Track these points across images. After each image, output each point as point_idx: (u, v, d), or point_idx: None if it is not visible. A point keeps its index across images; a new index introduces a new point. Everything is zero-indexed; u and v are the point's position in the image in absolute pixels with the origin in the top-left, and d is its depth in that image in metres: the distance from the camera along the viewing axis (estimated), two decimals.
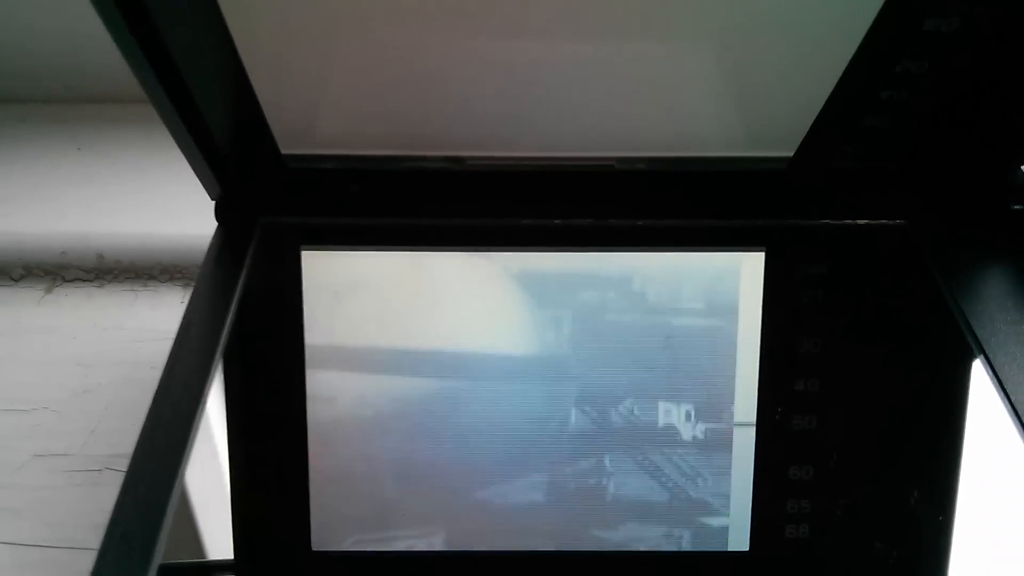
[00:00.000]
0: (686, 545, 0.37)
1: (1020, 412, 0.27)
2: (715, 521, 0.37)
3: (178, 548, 0.48)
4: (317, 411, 0.36)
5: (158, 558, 0.21)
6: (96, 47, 0.51)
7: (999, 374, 0.28)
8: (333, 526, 0.37)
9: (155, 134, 0.51)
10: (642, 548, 0.37)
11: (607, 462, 0.36)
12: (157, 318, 0.44)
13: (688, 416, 0.36)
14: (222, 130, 0.31)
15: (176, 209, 0.48)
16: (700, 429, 0.36)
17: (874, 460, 0.36)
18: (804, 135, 0.33)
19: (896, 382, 0.36)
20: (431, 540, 0.37)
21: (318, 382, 0.36)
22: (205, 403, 0.26)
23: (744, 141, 0.34)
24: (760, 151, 0.34)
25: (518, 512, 0.36)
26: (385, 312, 0.36)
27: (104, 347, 0.44)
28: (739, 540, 0.37)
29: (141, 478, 0.23)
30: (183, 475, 0.24)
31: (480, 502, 0.36)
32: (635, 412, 0.36)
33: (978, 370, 0.35)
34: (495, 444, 0.36)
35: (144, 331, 0.43)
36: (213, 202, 0.34)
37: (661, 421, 0.36)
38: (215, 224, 0.34)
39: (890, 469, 0.36)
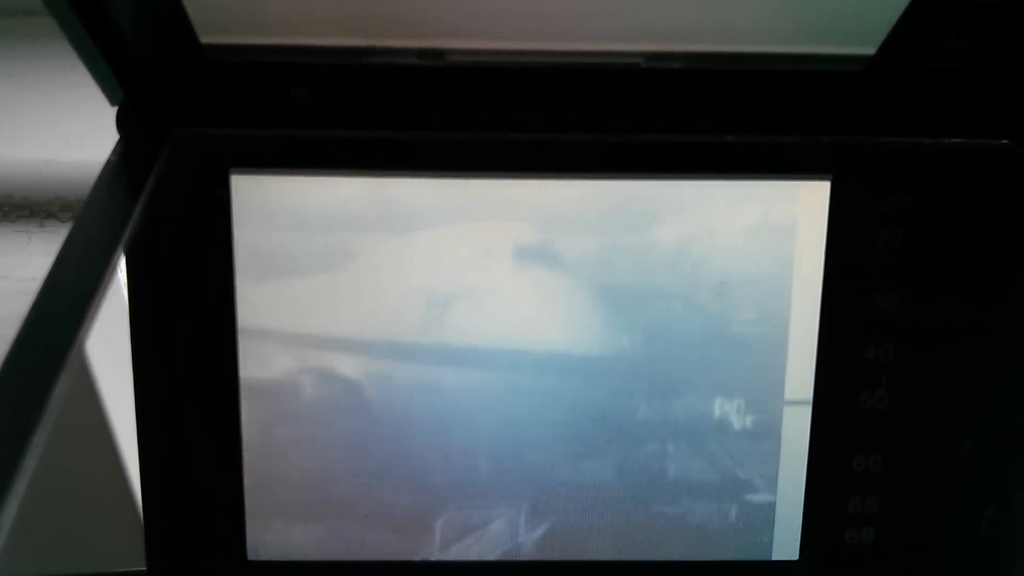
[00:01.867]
0: (722, 553, 0.33)
1: None
2: (758, 523, 0.33)
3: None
4: (253, 387, 0.31)
5: None
6: None
7: None
8: (275, 528, 0.32)
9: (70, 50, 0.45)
10: (671, 557, 0.33)
11: (617, 444, 0.32)
12: None
13: (725, 392, 0.32)
14: (121, 13, 0.27)
15: (87, 132, 0.43)
16: (741, 408, 0.32)
17: (960, 447, 0.32)
18: (891, 26, 0.29)
19: (992, 349, 0.32)
20: (398, 544, 0.33)
21: (255, 350, 0.31)
22: (64, 370, 0.21)
23: (809, 33, 0.30)
24: (830, 47, 0.30)
25: (490, 516, 0.33)
26: (340, 257, 0.31)
27: None
28: (787, 547, 0.33)
29: None
30: (26, 469, 0.20)
31: (446, 503, 0.32)
32: (658, 387, 0.32)
33: None
34: (472, 440, 0.32)
35: (37, 281, 0.37)
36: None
37: (691, 399, 0.32)
38: None
39: (980, 459, 0.32)
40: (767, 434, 0.32)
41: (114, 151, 0.29)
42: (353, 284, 0.31)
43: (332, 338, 0.31)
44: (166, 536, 0.32)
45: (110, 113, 0.29)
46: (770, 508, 0.32)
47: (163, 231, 0.30)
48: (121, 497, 0.42)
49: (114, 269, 0.24)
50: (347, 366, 0.31)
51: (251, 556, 0.32)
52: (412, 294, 0.31)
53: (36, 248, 0.41)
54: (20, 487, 0.19)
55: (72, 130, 0.43)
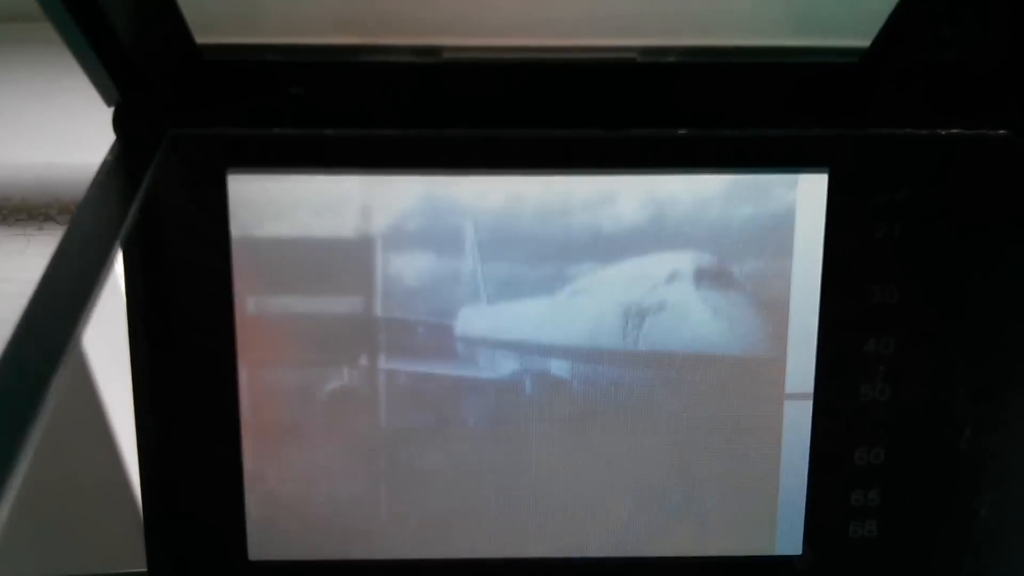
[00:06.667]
0: (726, 548, 0.32)
1: None
2: (761, 518, 0.32)
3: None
4: (252, 385, 0.31)
5: None
6: None
7: None
8: (276, 527, 0.32)
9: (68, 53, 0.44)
10: (672, 552, 0.32)
11: (610, 438, 0.32)
12: None
13: (726, 385, 0.31)
14: (116, 14, 0.27)
15: (84, 136, 0.40)
16: (741, 401, 0.31)
17: (961, 440, 0.32)
18: (886, 18, 0.29)
19: (991, 340, 0.31)
20: (406, 544, 0.32)
21: (253, 348, 0.31)
22: (56, 376, 0.21)
23: (804, 25, 0.30)
24: (825, 39, 0.30)
25: (497, 512, 0.32)
26: (337, 255, 0.31)
27: None
28: (791, 541, 0.32)
29: None
30: (22, 465, 0.20)
31: (457, 502, 0.32)
32: (647, 379, 0.31)
33: None
34: (478, 433, 0.32)
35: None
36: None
37: (688, 391, 0.31)
38: None
39: (981, 452, 0.32)
40: (767, 427, 0.31)
41: (110, 151, 0.29)
42: (350, 277, 0.31)
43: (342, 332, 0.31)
44: (167, 536, 0.32)
45: (108, 116, 0.29)
46: (773, 503, 0.32)
47: (160, 231, 0.30)
48: (122, 497, 0.41)
49: (110, 268, 0.24)
50: (360, 360, 0.31)
51: (252, 556, 0.32)
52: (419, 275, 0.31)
53: (35, 251, 0.40)
54: (15, 483, 0.19)
55: (70, 133, 0.42)
